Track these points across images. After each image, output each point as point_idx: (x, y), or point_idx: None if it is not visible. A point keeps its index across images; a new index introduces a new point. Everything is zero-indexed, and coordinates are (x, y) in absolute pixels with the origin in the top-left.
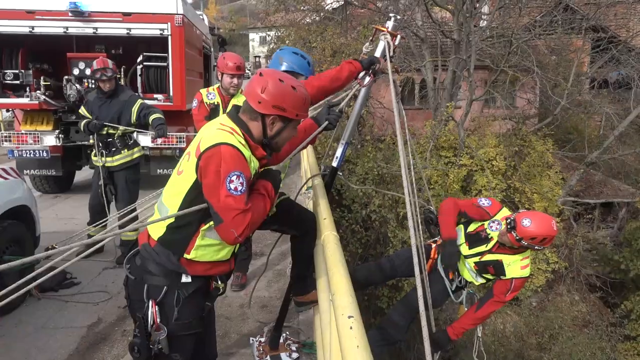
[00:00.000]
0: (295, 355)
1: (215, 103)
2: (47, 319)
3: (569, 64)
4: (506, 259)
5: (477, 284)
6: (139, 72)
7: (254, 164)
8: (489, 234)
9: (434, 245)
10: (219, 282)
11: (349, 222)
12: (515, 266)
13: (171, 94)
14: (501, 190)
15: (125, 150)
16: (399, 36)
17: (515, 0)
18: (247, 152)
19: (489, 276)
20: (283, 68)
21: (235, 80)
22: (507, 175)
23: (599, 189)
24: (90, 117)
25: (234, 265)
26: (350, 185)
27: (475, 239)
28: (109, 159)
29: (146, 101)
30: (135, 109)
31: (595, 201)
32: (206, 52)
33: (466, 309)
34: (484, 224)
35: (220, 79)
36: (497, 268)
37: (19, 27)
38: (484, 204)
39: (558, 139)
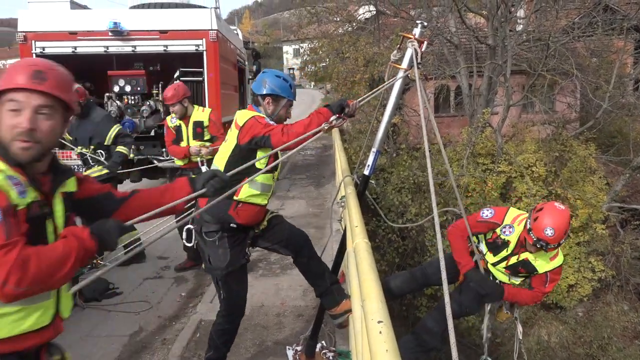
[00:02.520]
0: None
1: (178, 124)
2: (91, 328)
3: (611, 66)
4: (531, 256)
5: (516, 283)
6: None
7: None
8: (505, 239)
9: None
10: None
11: (386, 232)
12: (543, 260)
13: (207, 106)
14: (542, 197)
15: (97, 166)
16: (425, 42)
17: (552, 3)
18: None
19: (523, 275)
20: (265, 91)
21: (173, 108)
22: (547, 182)
23: None
24: (69, 138)
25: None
26: (385, 194)
27: (495, 246)
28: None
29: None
30: (112, 133)
31: None
32: (240, 65)
33: (507, 312)
34: (496, 232)
35: None
36: (527, 266)
37: (63, 47)
38: (487, 215)
39: (601, 143)
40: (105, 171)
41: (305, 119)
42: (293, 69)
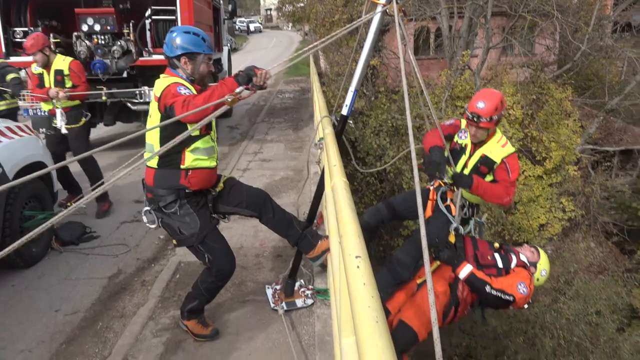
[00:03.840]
0: (309, 301)
1: (40, 72)
2: (69, 271)
3: (591, 7)
4: (485, 150)
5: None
6: (147, 27)
7: None
8: (462, 143)
9: (431, 188)
10: None
11: (364, 175)
12: (496, 148)
13: None
14: (518, 139)
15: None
16: None
17: None
18: None
19: (488, 177)
20: (178, 51)
21: (35, 57)
22: (524, 125)
23: (619, 136)
24: None
25: None
26: (364, 137)
27: (455, 154)
28: None
29: (154, 57)
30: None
31: (614, 149)
32: (215, 4)
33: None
34: (454, 139)
35: None
36: (486, 162)
37: None
38: (450, 122)
39: (578, 86)
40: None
41: (208, 90)
42: (270, 9)
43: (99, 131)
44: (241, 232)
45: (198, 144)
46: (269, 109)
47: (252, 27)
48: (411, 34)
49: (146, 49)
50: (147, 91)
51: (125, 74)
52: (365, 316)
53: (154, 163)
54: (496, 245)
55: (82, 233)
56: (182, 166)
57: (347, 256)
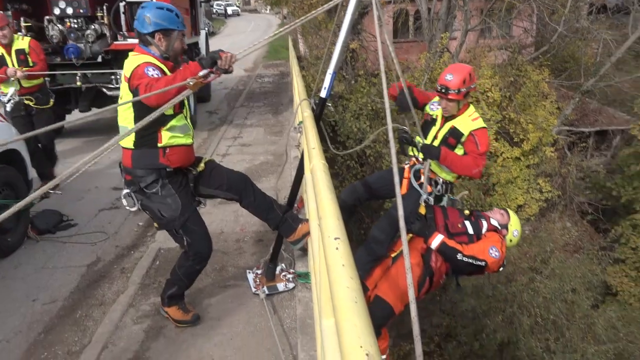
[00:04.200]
0: (291, 285)
1: (1, 53)
2: (46, 260)
3: None
4: (455, 122)
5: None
6: (122, 10)
7: None
8: (432, 114)
9: (406, 167)
10: None
11: (344, 158)
12: (466, 122)
13: None
14: (496, 121)
15: None
16: None
17: None
18: None
19: (459, 151)
20: (152, 28)
21: (3, 32)
22: (502, 107)
23: (594, 117)
24: None
25: None
26: (344, 121)
27: (426, 126)
28: None
29: (129, 40)
30: None
31: (589, 129)
32: None
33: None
34: (426, 110)
35: None
36: (454, 133)
37: None
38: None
39: (555, 68)
40: None
41: (171, 74)
42: None
43: (73, 116)
44: (221, 218)
45: (173, 122)
46: (248, 93)
47: (229, 10)
48: (390, 16)
49: (121, 32)
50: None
51: (100, 59)
52: (344, 297)
53: (130, 144)
54: (466, 212)
55: (58, 221)
56: (159, 144)
57: (326, 238)
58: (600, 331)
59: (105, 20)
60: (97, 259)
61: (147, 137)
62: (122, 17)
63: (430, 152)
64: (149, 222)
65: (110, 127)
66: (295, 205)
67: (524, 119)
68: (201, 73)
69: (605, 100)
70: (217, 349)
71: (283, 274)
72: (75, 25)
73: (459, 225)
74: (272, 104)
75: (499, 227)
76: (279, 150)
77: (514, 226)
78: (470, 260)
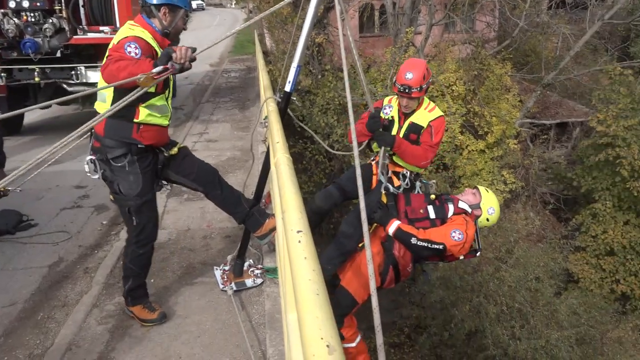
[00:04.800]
0: (259, 280)
1: None
2: (5, 262)
3: None
4: (414, 118)
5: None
6: (81, 3)
7: None
8: (388, 117)
9: (373, 163)
10: None
11: (313, 154)
12: (424, 114)
13: (118, 25)
14: (461, 114)
15: None
16: None
17: None
18: None
19: (416, 142)
20: (160, 0)
21: None
22: (466, 100)
23: (555, 109)
24: None
25: None
26: (311, 116)
27: (386, 129)
28: None
29: (90, 35)
30: None
31: (551, 122)
32: None
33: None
34: (382, 117)
35: None
36: (414, 129)
37: None
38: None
39: (517, 62)
40: None
41: (125, 61)
42: None
43: (34, 114)
44: (188, 214)
45: (153, 100)
46: (214, 88)
47: (194, 4)
48: (355, 11)
49: (80, 26)
50: (83, 71)
51: (59, 54)
52: (306, 289)
53: (105, 110)
54: (432, 197)
55: (18, 221)
56: (135, 120)
57: (289, 231)
58: (563, 317)
59: (64, 14)
60: (59, 259)
61: (124, 109)
62: (82, 10)
63: (384, 140)
64: (113, 220)
65: (70, 125)
66: (263, 200)
67: (487, 112)
68: (155, 70)
69: (565, 93)
70: (185, 346)
71: (251, 269)
72: (33, 19)
73: (421, 211)
74: (239, 99)
75: (469, 209)
76: (246, 146)
77: (488, 203)
78: (426, 244)
